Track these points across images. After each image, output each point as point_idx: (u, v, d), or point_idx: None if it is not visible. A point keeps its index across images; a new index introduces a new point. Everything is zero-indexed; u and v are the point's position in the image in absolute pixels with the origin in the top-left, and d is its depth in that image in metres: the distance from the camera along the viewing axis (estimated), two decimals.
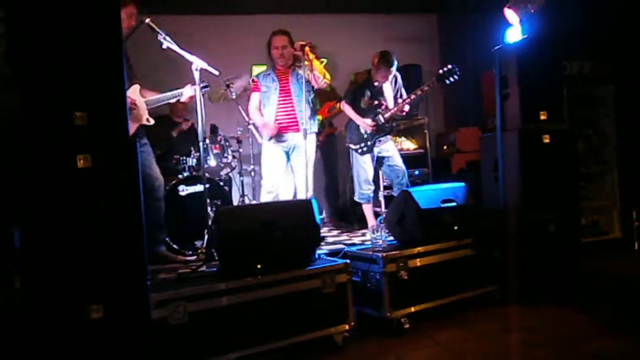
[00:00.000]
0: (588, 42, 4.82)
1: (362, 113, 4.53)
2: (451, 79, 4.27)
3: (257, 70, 5.35)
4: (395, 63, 4.42)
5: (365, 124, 4.47)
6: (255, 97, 4.32)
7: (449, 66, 4.27)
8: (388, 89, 4.54)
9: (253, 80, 4.31)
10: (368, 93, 4.55)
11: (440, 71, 4.29)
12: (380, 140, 4.53)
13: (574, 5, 4.47)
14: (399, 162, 4.58)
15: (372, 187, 4.62)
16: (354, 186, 4.71)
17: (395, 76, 4.52)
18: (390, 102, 4.51)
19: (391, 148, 4.60)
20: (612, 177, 4.97)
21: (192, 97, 3.69)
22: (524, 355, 2.75)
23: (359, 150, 4.56)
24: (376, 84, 4.52)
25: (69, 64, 2.16)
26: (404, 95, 4.53)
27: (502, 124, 3.61)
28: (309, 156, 3.95)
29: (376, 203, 5.03)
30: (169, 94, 3.63)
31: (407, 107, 4.43)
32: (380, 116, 4.46)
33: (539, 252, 3.41)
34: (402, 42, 6.63)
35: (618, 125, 4.95)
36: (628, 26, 4.84)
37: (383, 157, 4.59)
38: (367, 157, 4.55)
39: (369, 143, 4.51)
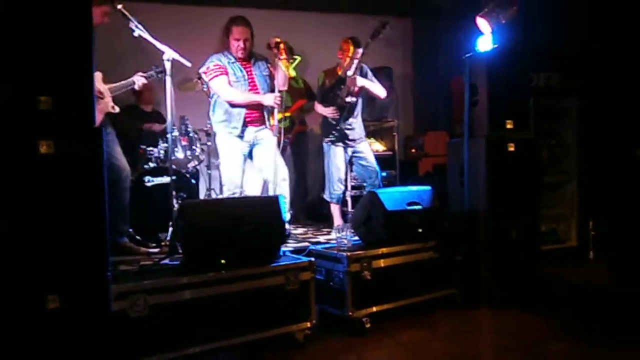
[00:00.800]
0: (556, 55, 4.95)
1: (328, 100, 4.55)
2: (382, 32, 4.26)
3: None
4: (361, 46, 4.38)
5: (327, 111, 4.50)
6: (224, 78, 3.93)
7: (381, 20, 4.27)
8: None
9: (218, 66, 3.95)
10: (333, 85, 4.55)
11: (373, 30, 4.27)
12: (354, 140, 4.56)
13: (544, 18, 4.59)
14: (372, 162, 4.62)
15: (343, 188, 4.65)
16: (325, 184, 4.71)
17: (362, 67, 4.53)
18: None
19: (366, 149, 4.64)
20: (572, 187, 5.12)
21: (145, 84, 3.70)
22: (484, 356, 2.82)
23: (332, 138, 4.55)
24: (344, 75, 4.49)
25: (35, 46, 2.09)
26: (374, 80, 4.54)
27: (469, 130, 3.67)
28: (276, 149, 3.93)
29: (343, 203, 5.06)
30: (121, 83, 3.62)
31: (359, 82, 4.40)
32: (338, 99, 4.47)
33: (501, 257, 3.50)
34: (377, 43, 6.67)
35: (580, 137, 5.10)
36: (594, 42, 4.99)
37: (357, 157, 4.62)
38: (341, 155, 4.55)
39: (338, 128, 4.50)
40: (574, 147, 5.15)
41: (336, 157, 4.57)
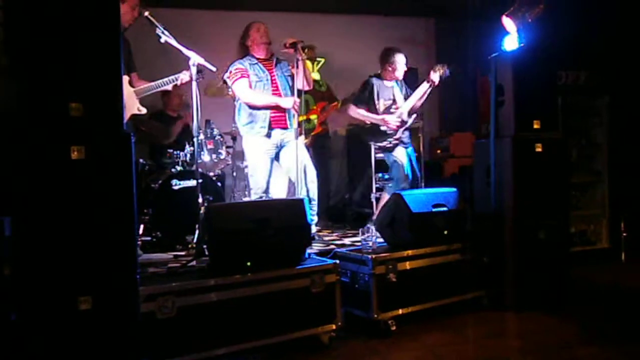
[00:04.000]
0: (584, 53, 4.87)
1: (380, 112, 4.59)
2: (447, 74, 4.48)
3: None
4: (402, 56, 4.54)
5: (387, 121, 4.52)
6: (245, 81, 3.95)
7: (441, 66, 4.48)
8: (397, 90, 4.64)
9: (239, 69, 3.97)
10: (382, 94, 4.61)
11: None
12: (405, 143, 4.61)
13: (571, 15, 4.51)
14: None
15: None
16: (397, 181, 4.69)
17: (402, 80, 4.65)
18: (401, 101, 4.60)
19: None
20: (603, 187, 5.01)
21: (188, 82, 3.69)
22: None
23: (387, 145, 4.59)
24: (387, 84, 4.61)
25: (66, 54, 2.16)
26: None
27: (495, 130, 3.63)
28: (304, 152, 3.94)
29: (367, 205, 5.05)
30: (163, 80, 3.63)
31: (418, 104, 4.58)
32: (398, 112, 4.54)
33: (529, 259, 3.44)
34: (400, 44, 6.58)
35: (611, 135, 5.00)
36: (623, 38, 4.89)
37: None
38: (403, 154, 4.58)
39: (393, 138, 4.55)
40: (605, 146, 5.04)
41: (399, 155, 4.60)
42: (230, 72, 4.01)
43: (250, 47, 4.04)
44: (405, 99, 4.61)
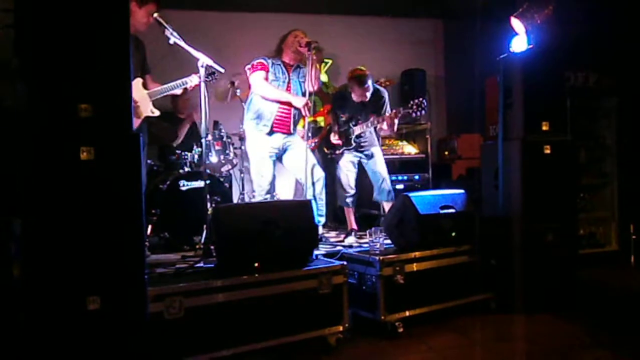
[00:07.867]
0: (593, 54, 4.84)
1: (340, 125, 4.48)
2: (418, 113, 4.04)
3: None
4: (369, 81, 4.24)
5: (334, 138, 4.47)
6: (262, 73, 4.00)
7: (418, 100, 4.02)
8: (368, 105, 4.37)
9: (261, 63, 4.02)
10: (346, 107, 4.45)
11: (410, 104, 4.05)
12: (363, 147, 4.43)
13: (580, 17, 4.49)
14: (381, 167, 4.44)
15: (353, 192, 4.43)
16: (337, 190, 4.57)
17: (380, 92, 4.37)
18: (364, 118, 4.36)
19: (376, 152, 4.47)
20: (612, 189, 4.98)
21: (198, 85, 3.68)
22: None
23: (328, 155, 4.60)
24: (354, 98, 4.37)
25: (75, 55, 2.17)
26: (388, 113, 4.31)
27: (504, 132, 3.62)
28: (308, 151, 3.95)
29: (373, 206, 5.02)
30: (174, 83, 3.65)
31: (384, 126, 4.20)
32: (350, 130, 4.40)
33: (536, 261, 3.43)
34: (407, 45, 6.65)
35: (620, 137, 4.97)
36: (633, 39, 4.86)
37: (366, 161, 4.49)
38: (349, 161, 4.44)
39: (337, 152, 4.50)
40: (614, 148, 5.02)
41: (342, 163, 4.45)
42: (252, 64, 4.08)
43: (283, 50, 4.09)
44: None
